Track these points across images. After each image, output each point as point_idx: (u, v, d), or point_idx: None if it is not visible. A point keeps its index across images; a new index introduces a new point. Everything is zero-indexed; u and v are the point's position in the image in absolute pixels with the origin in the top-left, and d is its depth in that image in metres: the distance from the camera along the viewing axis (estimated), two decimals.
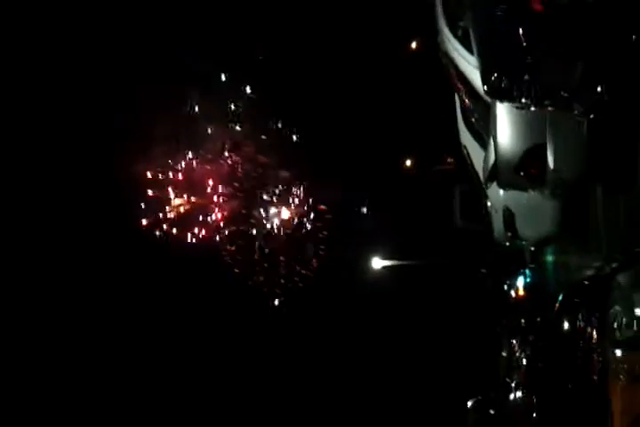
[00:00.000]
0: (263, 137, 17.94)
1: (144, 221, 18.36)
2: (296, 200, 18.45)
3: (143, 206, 18.37)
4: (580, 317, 4.82)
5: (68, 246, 17.55)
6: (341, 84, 16.75)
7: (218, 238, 18.58)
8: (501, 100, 5.34)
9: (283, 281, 17.98)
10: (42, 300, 17.36)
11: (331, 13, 16.39)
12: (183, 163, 18.54)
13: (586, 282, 5.17)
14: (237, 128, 17.99)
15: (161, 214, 18.58)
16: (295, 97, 17.04)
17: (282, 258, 18.31)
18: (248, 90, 17.60)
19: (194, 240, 18.46)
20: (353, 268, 16.55)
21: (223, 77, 17.33)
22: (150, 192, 18.61)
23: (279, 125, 17.77)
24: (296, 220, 18.44)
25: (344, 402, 16.51)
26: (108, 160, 17.29)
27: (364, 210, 17.40)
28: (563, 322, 5.05)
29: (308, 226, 18.32)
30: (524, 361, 7.57)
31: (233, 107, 17.61)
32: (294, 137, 17.81)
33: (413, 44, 16.72)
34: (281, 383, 17.02)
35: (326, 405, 16.58)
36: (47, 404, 16.51)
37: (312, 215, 18.32)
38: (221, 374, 17.34)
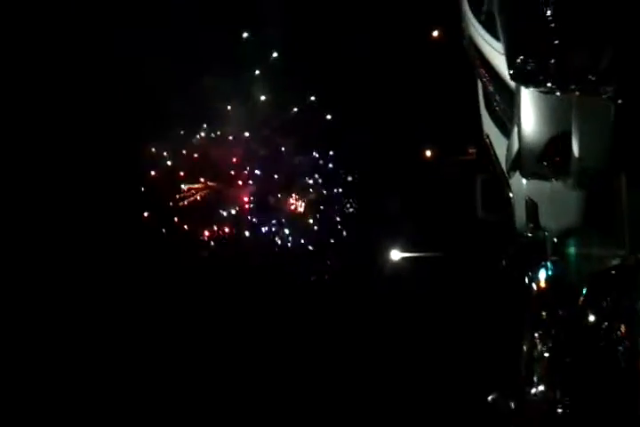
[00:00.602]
0: (281, 121, 17.60)
1: (145, 213, 17.69)
2: (314, 189, 18.16)
3: (145, 191, 17.58)
4: (605, 308, 4.68)
5: (63, 236, 17.35)
6: (363, 71, 16.56)
7: (235, 228, 18.25)
8: (527, 85, 5.17)
9: (305, 271, 17.80)
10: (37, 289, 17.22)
11: None
12: (195, 142, 17.90)
13: (612, 272, 5.02)
14: (257, 107, 17.60)
15: (170, 203, 18.00)
16: (316, 83, 16.81)
17: (305, 248, 18.06)
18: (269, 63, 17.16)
19: (207, 233, 18.09)
20: (372, 259, 16.38)
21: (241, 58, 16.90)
22: (153, 173, 17.75)
23: (300, 110, 17.48)
24: (314, 210, 18.17)
25: (363, 388, 16.39)
26: (111, 139, 16.93)
27: (385, 200, 17.19)
28: (588, 315, 4.90)
29: (327, 216, 18.08)
30: (546, 355, 7.41)
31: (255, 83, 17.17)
32: (314, 123, 17.52)
33: (435, 32, 16.49)
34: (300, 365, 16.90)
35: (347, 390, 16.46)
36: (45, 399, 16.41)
37: (331, 205, 18.08)
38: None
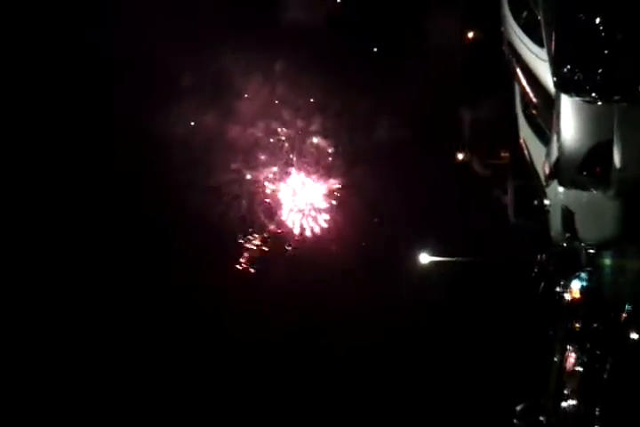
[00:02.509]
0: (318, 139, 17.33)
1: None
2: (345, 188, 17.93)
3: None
4: None
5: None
6: (397, 71, 16.36)
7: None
8: (571, 94, 5.01)
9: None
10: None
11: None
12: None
13: None
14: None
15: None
16: (354, 86, 16.57)
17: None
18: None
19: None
20: (400, 263, 16.16)
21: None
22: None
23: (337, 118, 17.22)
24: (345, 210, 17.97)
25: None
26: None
27: (415, 203, 16.99)
28: (630, 332, 4.74)
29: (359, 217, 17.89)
30: (579, 369, 7.24)
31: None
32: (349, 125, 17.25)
33: (471, 33, 16.26)
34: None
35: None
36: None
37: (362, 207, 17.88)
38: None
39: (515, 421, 8.99)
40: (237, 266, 17.62)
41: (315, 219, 17.58)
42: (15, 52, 15.82)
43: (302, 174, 17.51)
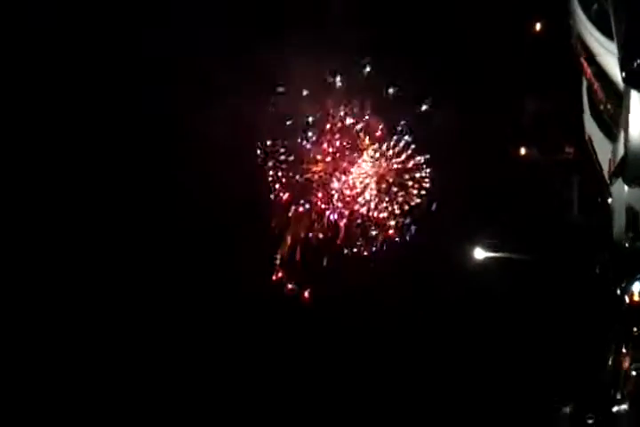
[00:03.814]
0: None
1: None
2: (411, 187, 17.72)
3: None
4: None
5: None
6: (462, 63, 16.11)
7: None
8: None
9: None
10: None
11: None
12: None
13: None
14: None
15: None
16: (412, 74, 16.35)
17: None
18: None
19: None
20: (455, 258, 15.91)
21: None
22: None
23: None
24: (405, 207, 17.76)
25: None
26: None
27: (476, 196, 16.71)
28: None
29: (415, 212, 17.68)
30: (634, 373, 7.06)
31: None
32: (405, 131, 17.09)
33: (537, 26, 15.89)
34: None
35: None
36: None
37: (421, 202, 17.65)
38: None
39: (558, 421, 8.83)
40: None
41: (368, 209, 17.49)
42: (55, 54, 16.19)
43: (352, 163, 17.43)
